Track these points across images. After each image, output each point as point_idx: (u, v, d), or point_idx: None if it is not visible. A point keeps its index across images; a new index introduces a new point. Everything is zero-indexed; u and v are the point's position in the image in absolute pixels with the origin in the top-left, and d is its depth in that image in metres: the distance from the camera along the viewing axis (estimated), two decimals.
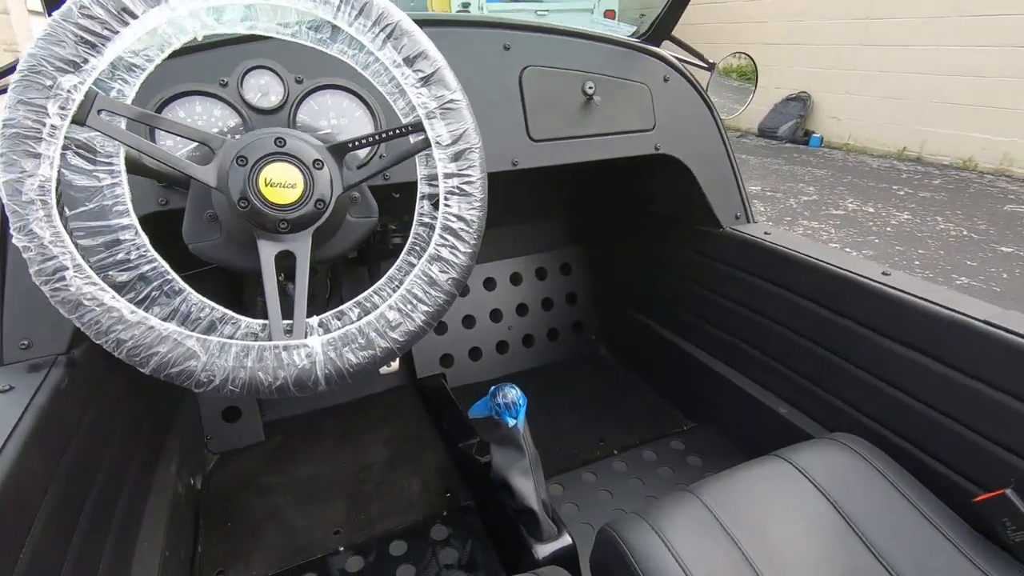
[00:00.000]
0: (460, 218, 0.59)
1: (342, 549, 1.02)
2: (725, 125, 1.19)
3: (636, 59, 1.09)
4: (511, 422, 0.90)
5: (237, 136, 0.78)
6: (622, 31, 1.16)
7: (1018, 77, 4.18)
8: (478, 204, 0.60)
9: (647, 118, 1.10)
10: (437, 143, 0.58)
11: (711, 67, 1.23)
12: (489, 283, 1.57)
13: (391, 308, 0.57)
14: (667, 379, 1.44)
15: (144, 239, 0.53)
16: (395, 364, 1.42)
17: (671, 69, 1.12)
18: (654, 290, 1.45)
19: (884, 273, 0.93)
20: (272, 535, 1.06)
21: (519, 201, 1.55)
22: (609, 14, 6.54)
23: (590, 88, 1.03)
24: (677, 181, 1.18)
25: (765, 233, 1.13)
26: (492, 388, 0.93)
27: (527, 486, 0.88)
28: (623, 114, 1.08)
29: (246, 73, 0.79)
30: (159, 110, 0.74)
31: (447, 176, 0.58)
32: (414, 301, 0.58)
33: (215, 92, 0.78)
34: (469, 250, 0.59)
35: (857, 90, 5.31)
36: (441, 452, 1.27)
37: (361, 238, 0.68)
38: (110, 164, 0.52)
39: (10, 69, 0.80)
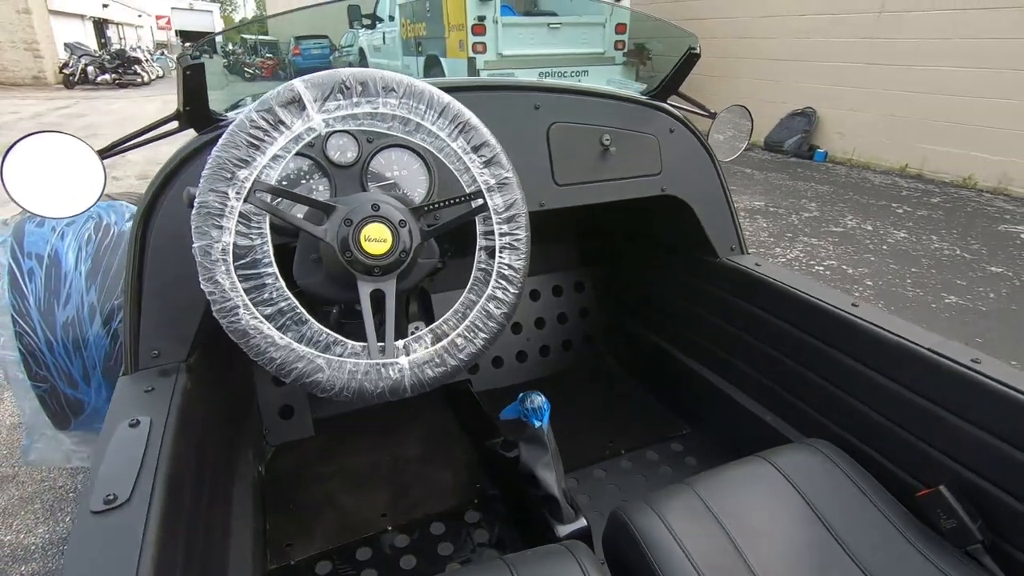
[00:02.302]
0: (510, 267, 0.77)
1: (390, 528, 1.20)
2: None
3: (646, 114, 1.27)
4: (537, 424, 1.08)
5: (324, 188, 0.97)
6: (633, 88, 1.33)
7: (1016, 98, 4.33)
8: (524, 256, 0.78)
9: (655, 164, 1.27)
10: (495, 211, 0.76)
11: (712, 116, 1.41)
12: None
13: (459, 336, 0.75)
14: (668, 388, 1.62)
15: (281, 283, 0.71)
16: None
17: (676, 121, 1.30)
18: (658, 309, 1.62)
19: (853, 304, 1.10)
20: (329, 516, 1.25)
21: (540, 227, 1.72)
22: (620, 28, 6.73)
23: (607, 140, 1.21)
24: (680, 217, 1.35)
25: (756, 264, 1.30)
26: (520, 395, 1.11)
27: (550, 477, 1.06)
28: (634, 161, 1.25)
29: (329, 136, 0.98)
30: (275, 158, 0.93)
31: (501, 235, 0.77)
32: (475, 330, 0.76)
33: (305, 152, 0.96)
34: (516, 291, 0.77)
35: (861, 107, 5.46)
36: (469, 448, 1.45)
37: (427, 274, 0.86)
38: (260, 228, 0.70)
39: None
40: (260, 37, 27.16)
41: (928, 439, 0.95)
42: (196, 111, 0.93)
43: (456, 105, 0.75)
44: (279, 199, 0.77)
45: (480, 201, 0.78)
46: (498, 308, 0.77)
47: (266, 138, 0.67)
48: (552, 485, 1.05)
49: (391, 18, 8.66)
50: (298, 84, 0.69)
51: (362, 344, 0.74)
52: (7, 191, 0.88)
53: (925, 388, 0.95)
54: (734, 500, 0.92)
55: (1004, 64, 4.35)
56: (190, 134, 1.05)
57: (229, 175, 0.66)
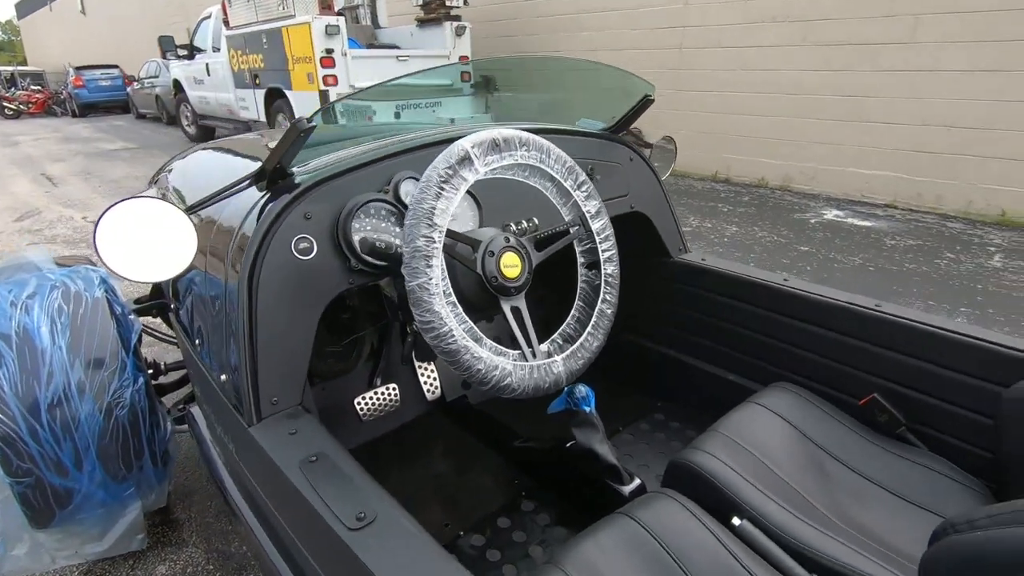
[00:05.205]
0: (612, 275, 0.98)
1: (462, 533, 1.31)
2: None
3: (613, 147, 1.56)
4: (587, 409, 1.29)
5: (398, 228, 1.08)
6: (596, 127, 1.62)
7: (787, 116, 5.56)
8: (617, 266, 0.99)
9: (624, 187, 1.57)
10: (597, 233, 0.97)
11: (649, 146, 1.75)
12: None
13: (588, 334, 0.94)
14: (632, 373, 1.91)
15: (460, 308, 0.84)
16: (438, 391, 1.70)
17: (632, 151, 1.61)
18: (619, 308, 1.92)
19: (784, 279, 1.49)
20: None
21: None
22: (463, 59, 7.15)
23: (591, 170, 1.47)
24: (637, 228, 1.66)
25: (702, 259, 1.66)
26: (566, 389, 1.31)
27: (606, 450, 1.27)
28: (610, 186, 1.53)
29: (400, 182, 1.10)
30: (360, 208, 1.02)
31: (603, 251, 0.97)
32: (597, 328, 0.96)
33: (382, 197, 1.07)
34: (617, 293, 0.99)
35: (676, 126, 6.50)
36: (492, 454, 1.59)
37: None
38: (440, 265, 0.82)
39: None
40: (20, 68, 22.94)
41: (855, 365, 1.35)
42: (282, 168, 0.99)
43: (564, 154, 0.95)
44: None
45: (577, 227, 0.98)
46: (608, 308, 0.98)
47: (449, 188, 0.81)
48: (610, 456, 1.26)
49: (215, 49, 8.10)
50: (466, 144, 0.84)
51: (516, 351, 0.90)
52: (104, 263, 0.87)
53: (846, 329, 1.35)
54: (749, 434, 1.22)
55: (777, 90, 5.57)
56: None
57: (430, 222, 0.78)
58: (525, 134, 0.90)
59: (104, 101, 15.71)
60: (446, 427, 1.70)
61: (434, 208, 0.79)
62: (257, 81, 7.29)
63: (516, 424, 1.63)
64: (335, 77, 6.18)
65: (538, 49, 7.80)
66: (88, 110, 15.67)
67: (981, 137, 4.46)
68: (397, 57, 6.67)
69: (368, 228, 1.05)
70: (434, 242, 0.78)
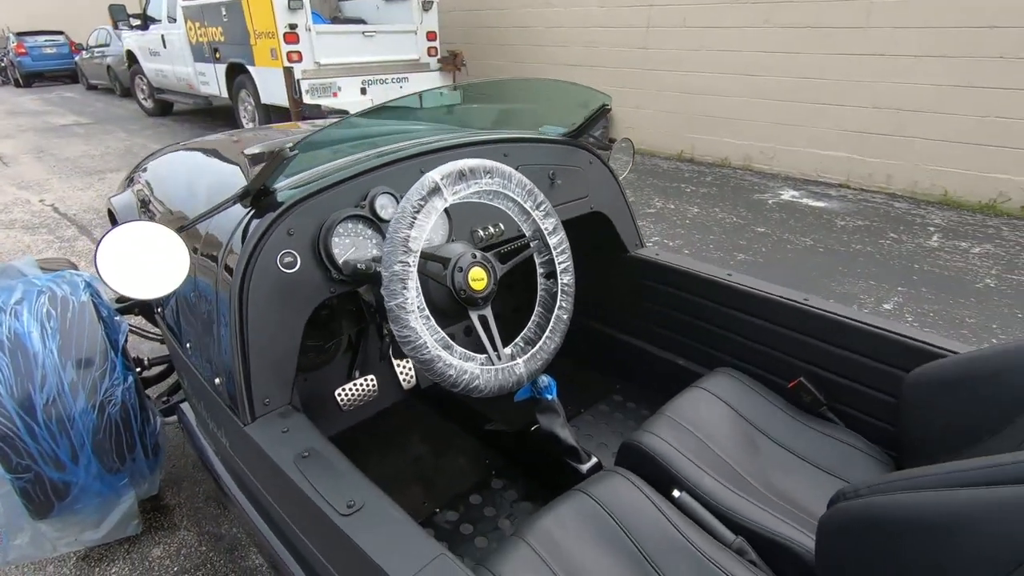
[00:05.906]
0: (568, 284, 1.10)
1: (438, 510, 1.44)
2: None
3: (574, 151, 1.67)
4: (549, 397, 1.42)
5: (375, 239, 1.18)
6: (558, 133, 1.72)
7: (749, 97, 5.72)
8: (573, 275, 1.12)
9: (584, 189, 1.68)
10: (554, 247, 1.09)
11: (609, 146, 1.86)
12: None
13: (546, 338, 1.07)
14: (592, 357, 2.06)
15: (433, 321, 0.95)
16: (413, 380, 1.82)
17: (591, 155, 1.72)
18: (580, 299, 2.05)
19: (728, 274, 1.64)
20: None
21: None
22: (431, 35, 7.05)
23: (552, 174, 1.58)
24: (597, 226, 1.78)
25: (656, 254, 1.79)
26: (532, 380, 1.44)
27: (566, 433, 1.42)
28: (570, 188, 1.64)
29: (375, 196, 1.19)
30: (339, 223, 1.11)
31: (560, 263, 1.09)
32: (555, 332, 1.08)
33: (359, 212, 1.16)
34: (572, 300, 1.11)
35: (643, 105, 6.62)
36: (465, 437, 1.73)
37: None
38: (415, 283, 0.93)
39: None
40: None
41: (786, 351, 1.52)
42: (266, 189, 1.07)
43: (524, 178, 1.05)
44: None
45: (538, 241, 1.09)
46: (564, 314, 1.10)
47: (422, 217, 0.91)
48: (570, 438, 1.41)
49: (172, 19, 7.78)
50: (436, 177, 0.93)
51: (483, 355, 1.02)
52: (105, 282, 0.95)
53: (779, 319, 1.51)
54: (692, 415, 1.38)
55: (739, 71, 5.71)
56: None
57: (405, 248, 0.88)
58: (489, 163, 1.00)
59: (50, 70, 14.91)
60: (422, 413, 1.82)
61: (408, 236, 0.89)
62: (218, 55, 7.07)
63: (487, 410, 1.76)
64: (299, 53, 6.05)
65: (506, 24, 7.75)
66: (33, 79, 14.87)
67: (926, 120, 4.70)
68: (363, 32, 6.55)
69: (348, 243, 1.14)
70: (409, 266, 0.89)
